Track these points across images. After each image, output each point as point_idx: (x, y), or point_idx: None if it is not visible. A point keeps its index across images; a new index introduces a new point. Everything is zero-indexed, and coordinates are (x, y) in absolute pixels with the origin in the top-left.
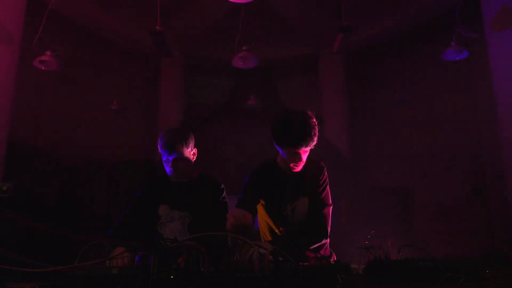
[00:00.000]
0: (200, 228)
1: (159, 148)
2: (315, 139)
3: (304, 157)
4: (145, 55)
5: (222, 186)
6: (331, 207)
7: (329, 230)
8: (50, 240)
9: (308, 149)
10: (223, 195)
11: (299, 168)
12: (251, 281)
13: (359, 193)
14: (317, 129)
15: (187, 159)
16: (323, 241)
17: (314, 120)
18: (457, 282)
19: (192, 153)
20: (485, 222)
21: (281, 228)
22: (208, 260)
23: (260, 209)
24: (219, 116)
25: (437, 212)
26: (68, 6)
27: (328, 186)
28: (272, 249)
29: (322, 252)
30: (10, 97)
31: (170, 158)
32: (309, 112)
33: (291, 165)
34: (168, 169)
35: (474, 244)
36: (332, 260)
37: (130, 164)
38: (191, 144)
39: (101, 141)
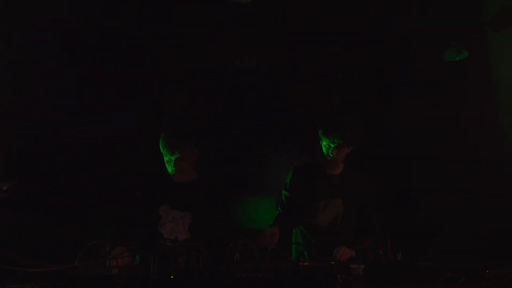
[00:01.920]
0: (201, 228)
1: (160, 147)
2: (349, 136)
3: (339, 154)
4: (146, 51)
5: (224, 186)
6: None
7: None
8: (50, 240)
9: (342, 144)
10: (225, 195)
11: (335, 164)
12: (251, 281)
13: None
14: (355, 129)
15: (189, 159)
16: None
17: (356, 119)
18: (457, 282)
19: (194, 152)
20: (485, 222)
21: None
22: (208, 260)
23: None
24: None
25: (437, 212)
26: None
27: (380, 201)
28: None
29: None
30: (11, 96)
31: (173, 158)
32: (355, 115)
33: (327, 157)
34: (170, 169)
35: (474, 244)
36: None
37: (131, 164)
38: (194, 144)
39: (101, 139)
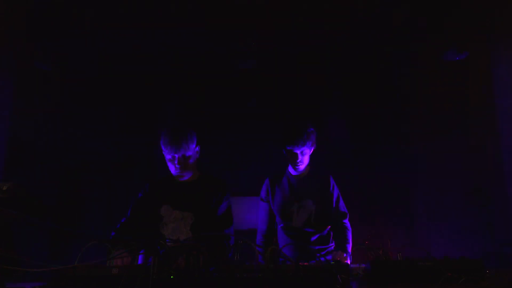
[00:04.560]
0: (203, 228)
1: (162, 146)
2: (309, 142)
3: (303, 158)
4: (147, 52)
5: (225, 185)
6: (348, 214)
7: (350, 235)
8: (50, 240)
9: (304, 150)
10: (226, 195)
11: (300, 167)
12: (251, 281)
13: (359, 193)
14: (311, 134)
15: (192, 158)
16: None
17: (310, 126)
18: (457, 282)
19: (196, 150)
20: (485, 222)
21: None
22: (209, 260)
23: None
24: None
25: (437, 212)
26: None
27: (340, 195)
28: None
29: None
30: (10, 97)
31: (176, 156)
32: (307, 121)
33: (293, 164)
34: (173, 167)
35: (474, 244)
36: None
37: (131, 164)
38: (195, 141)
39: (102, 140)
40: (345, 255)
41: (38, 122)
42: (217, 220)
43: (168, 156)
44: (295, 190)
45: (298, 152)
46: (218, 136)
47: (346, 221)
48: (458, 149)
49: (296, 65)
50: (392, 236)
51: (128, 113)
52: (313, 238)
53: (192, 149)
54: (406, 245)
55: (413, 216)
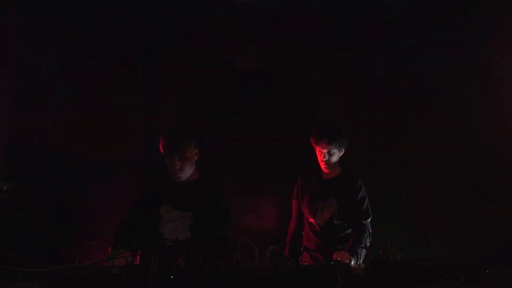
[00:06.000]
0: (202, 229)
1: (161, 147)
2: (336, 143)
3: (330, 158)
4: (147, 53)
5: (224, 186)
6: (370, 217)
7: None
8: (50, 240)
9: (331, 150)
10: (225, 195)
11: (326, 167)
12: (251, 281)
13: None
14: (341, 136)
15: (191, 158)
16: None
17: (341, 127)
18: (457, 282)
19: (195, 152)
20: (485, 222)
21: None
22: (208, 260)
23: None
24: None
25: (437, 212)
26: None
27: (366, 197)
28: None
29: None
30: (11, 97)
31: (175, 158)
32: (340, 124)
33: (321, 162)
34: (171, 168)
35: (474, 244)
36: None
37: (131, 164)
38: (194, 143)
39: (102, 140)
40: (348, 256)
41: (39, 122)
42: (216, 220)
43: (166, 157)
44: (322, 189)
45: (325, 151)
46: (220, 136)
47: (366, 222)
48: (458, 148)
49: None
50: (392, 236)
51: (129, 112)
52: (335, 236)
53: (191, 151)
54: (406, 245)
55: (413, 216)
